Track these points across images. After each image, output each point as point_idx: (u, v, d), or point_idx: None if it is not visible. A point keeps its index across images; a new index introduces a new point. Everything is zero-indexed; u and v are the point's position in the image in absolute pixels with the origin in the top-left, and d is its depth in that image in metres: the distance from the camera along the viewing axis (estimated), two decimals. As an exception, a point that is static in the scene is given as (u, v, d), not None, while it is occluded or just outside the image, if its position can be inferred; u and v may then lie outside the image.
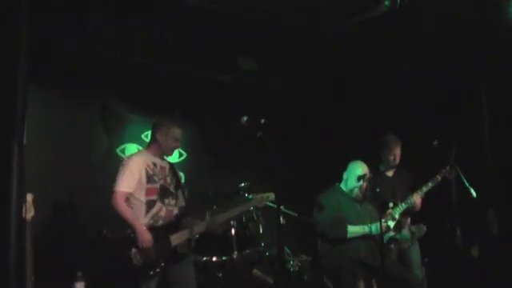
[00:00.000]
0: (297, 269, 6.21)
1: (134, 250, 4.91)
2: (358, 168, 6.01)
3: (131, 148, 6.93)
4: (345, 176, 6.10)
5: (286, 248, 6.09)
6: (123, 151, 6.93)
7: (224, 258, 5.93)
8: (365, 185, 5.97)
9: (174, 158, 6.90)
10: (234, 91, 7.42)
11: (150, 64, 6.87)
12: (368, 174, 5.98)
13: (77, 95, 6.61)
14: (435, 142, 6.04)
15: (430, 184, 6.12)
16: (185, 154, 7.23)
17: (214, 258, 5.93)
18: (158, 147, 5.30)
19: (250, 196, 5.89)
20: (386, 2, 6.11)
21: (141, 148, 6.94)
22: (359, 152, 6.21)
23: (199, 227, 5.27)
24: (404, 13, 6.15)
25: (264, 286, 6.06)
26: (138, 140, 6.98)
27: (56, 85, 6.40)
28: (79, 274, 5.58)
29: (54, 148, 6.39)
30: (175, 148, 5.39)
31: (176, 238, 5.11)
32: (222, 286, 5.93)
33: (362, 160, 6.07)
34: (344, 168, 6.12)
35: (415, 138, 6.79)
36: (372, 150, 6.44)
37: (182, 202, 5.33)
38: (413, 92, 7.51)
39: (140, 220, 5.04)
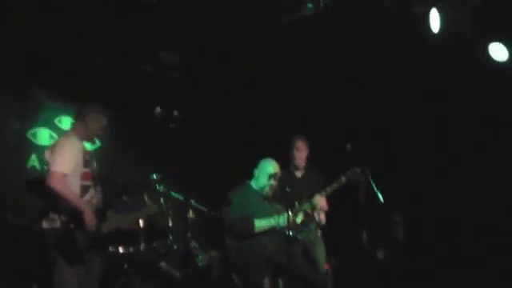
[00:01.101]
0: (205, 264, 6.19)
1: (78, 232, 4.80)
2: (270, 166, 6.04)
3: (43, 132, 6.77)
4: (256, 173, 6.12)
5: (194, 243, 6.07)
6: (34, 135, 6.76)
7: (131, 249, 5.85)
8: (275, 183, 6.01)
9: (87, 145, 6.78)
10: (154, 82, 7.32)
11: (71, 50, 6.73)
12: (279, 173, 6.03)
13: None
14: (348, 146, 6.13)
15: (334, 185, 6.22)
16: (98, 143, 7.10)
17: (121, 249, 5.84)
18: (83, 132, 5.18)
19: (161, 187, 5.87)
20: (310, 5, 6.14)
21: (53, 133, 6.83)
22: (272, 151, 6.25)
23: (114, 221, 5.27)
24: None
25: (171, 280, 6.01)
26: (50, 125, 6.81)
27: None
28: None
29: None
30: (99, 136, 5.32)
31: (105, 227, 5.08)
32: (127, 278, 5.86)
33: (273, 159, 6.11)
34: (256, 165, 6.14)
35: (329, 142, 6.89)
36: (284, 150, 6.51)
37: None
38: (331, 96, 7.61)
39: None
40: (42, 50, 6.53)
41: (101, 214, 5.07)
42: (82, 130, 5.17)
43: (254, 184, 6.10)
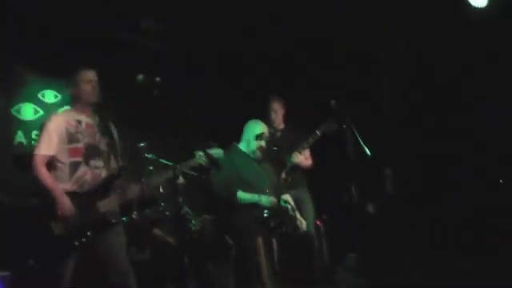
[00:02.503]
0: (198, 228, 6.24)
1: (54, 220, 4.51)
2: (257, 127, 6.02)
3: (27, 108, 6.78)
4: (245, 136, 6.08)
5: (186, 208, 6.10)
6: (18, 111, 6.75)
7: (123, 218, 5.85)
8: (264, 144, 6.01)
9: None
10: (136, 51, 7.27)
11: (48, 24, 6.67)
12: (266, 133, 6.03)
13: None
14: (333, 102, 6.13)
15: (310, 140, 6.29)
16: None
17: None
18: (78, 101, 4.83)
19: (150, 155, 5.85)
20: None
21: (37, 108, 6.81)
22: (259, 112, 6.27)
23: (133, 191, 4.86)
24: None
25: (165, 246, 6.06)
26: (34, 99, 6.82)
27: None
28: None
29: None
30: (93, 91, 4.79)
31: (105, 204, 4.71)
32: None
33: (259, 120, 6.11)
34: (242, 128, 6.12)
35: (314, 98, 6.90)
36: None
37: (114, 164, 4.89)
38: (315, 52, 7.60)
39: (64, 185, 4.64)
40: (22, 23, 6.47)
41: (99, 191, 4.74)
42: (76, 102, 4.87)
43: (243, 147, 6.07)
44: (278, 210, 5.68)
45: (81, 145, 4.75)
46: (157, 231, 6.11)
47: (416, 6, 6.83)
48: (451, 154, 7.08)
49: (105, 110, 4.72)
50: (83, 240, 4.58)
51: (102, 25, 6.95)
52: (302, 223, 6.03)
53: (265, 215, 5.76)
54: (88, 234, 4.60)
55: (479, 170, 6.99)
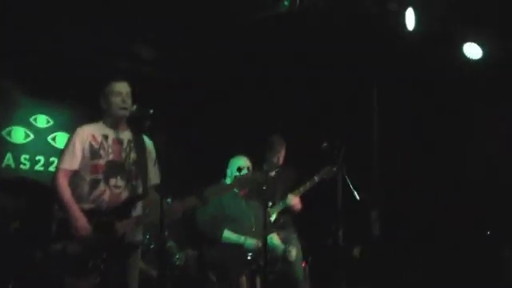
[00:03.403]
0: (182, 263, 6.19)
1: (67, 240, 4.28)
2: (239, 160, 6.03)
3: (18, 131, 6.78)
4: (228, 172, 6.08)
5: (171, 242, 6.06)
6: (9, 134, 6.74)
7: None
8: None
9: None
10: (130, 78, 7.27)
11: (44, 47, 6.68)
12: (250, 167, 6.01)
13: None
14: (324, 144, 6.12)
15: (307, 184, 6.25)
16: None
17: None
18: (108, 115, 4.58)
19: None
20: (286, 2, 6.14)
21: (29, 132, 6.80)
22: (248, 149, 6.27)
23: (150, 216, 4.56)
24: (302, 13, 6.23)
25: (148, 279, 5.98)
26: (25, 123, 6.83)
27: None
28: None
29: None
30: (123, 105, 4.53)
31: (124, 226, 4.42)
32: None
33: (243, 155, 6.11)
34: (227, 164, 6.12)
35: (305, 139, 6.91)
36: (258, 149, 6.48)
37: (139, 184, 4.59)
38: (304, 93, 7.65)
39: (82, 204, 4.38)
40: (19, 46, 6.48)
41: (119, 211, 4.47)
42: (106, 116, 4.61)
43: (228, 182, 6.03)
44: (262, 253, 5.46)
45: (102, 161, 4.49)
46: (140, 263, 6.03)
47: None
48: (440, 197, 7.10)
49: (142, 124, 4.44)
50: (98, 261, 4.33)
51: (95, 50, 6.94)
52: (291, 253, 6.00)
53: (248, 258, 5.72)
54: (103, 255, 4.35)
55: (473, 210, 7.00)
